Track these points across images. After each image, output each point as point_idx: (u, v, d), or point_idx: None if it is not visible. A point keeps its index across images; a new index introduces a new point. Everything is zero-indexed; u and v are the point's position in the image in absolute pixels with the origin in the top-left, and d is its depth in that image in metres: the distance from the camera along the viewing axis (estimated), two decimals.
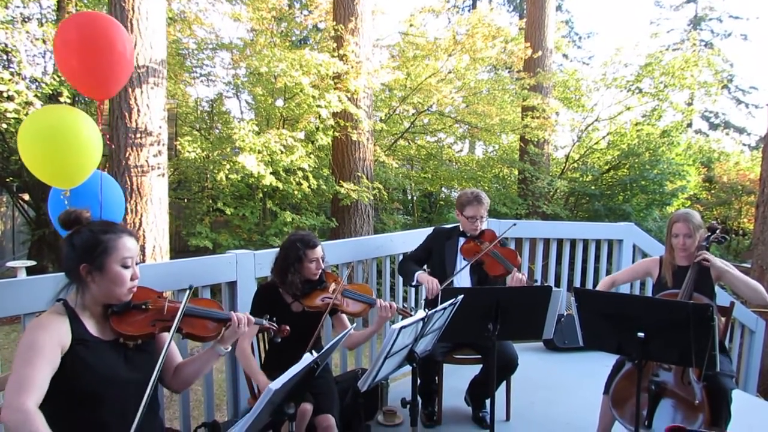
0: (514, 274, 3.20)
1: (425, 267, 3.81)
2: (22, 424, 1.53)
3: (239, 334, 2.05)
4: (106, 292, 1.80)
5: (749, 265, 6.76)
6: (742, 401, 3.17)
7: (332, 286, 2.88)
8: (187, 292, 1.93)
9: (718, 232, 3.02)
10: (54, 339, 1.67)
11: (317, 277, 2.84)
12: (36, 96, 7.43)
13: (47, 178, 2.92)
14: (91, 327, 1.80)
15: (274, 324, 2.27)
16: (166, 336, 1.96)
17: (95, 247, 1.77)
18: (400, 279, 4.29)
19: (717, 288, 3.01)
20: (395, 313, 2.81)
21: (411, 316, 2.76)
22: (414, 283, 3.44)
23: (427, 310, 2.16)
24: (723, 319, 3.12)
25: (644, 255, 5.07)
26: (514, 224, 3.79)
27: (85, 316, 1.80)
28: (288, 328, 2.32)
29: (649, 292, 3.29)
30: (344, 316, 2.92)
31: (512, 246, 4.94)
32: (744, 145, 23.84)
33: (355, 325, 2.85)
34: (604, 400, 2.97)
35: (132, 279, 1.83)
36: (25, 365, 1.60)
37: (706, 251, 2.92)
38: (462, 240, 3.53)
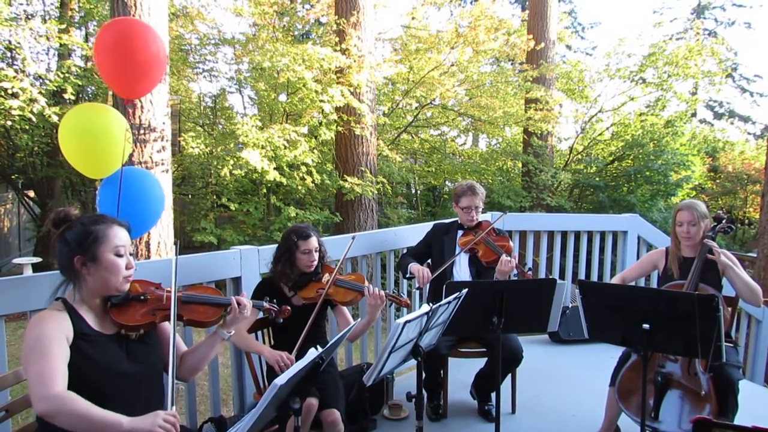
0: (502, 259, 3.22)
1: (428, 262, 3.82)
2: (59, 409, 1.55)
3: (242, 318, 2.07)
4: (102, 282, 1.80)
5: (755, 255, 6.73)
6: (749, 391, 3.16)
7: (326, 277, 2.89)
8: (173, 274, 1.95)
9: (724, 222, 3.01)
10: (59, 330, 1.68)
11: (312, 269, 2.86)
12: (40, 93, 7.43)
13: (84, 168, 3.21)
14: (92, 321, 1.80)
15: (275, 305, 2.29)
16: (168, 326, 1.98)
17: (86, 238, 1.78)
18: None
19: (724, 279, 2.99)
20: (385, 300, 2.82)
21: (400, 300, 2.80)
22: (408, 276, 3.49)
23: (431, 303, 2.16)
24: (729, 309, 3.11)
25: (649, 246, 5.05)
26: (505, 213, 3.78)
27: (84, 311, 1.80)
28: (289, 308, 2.35)
29: (654, 284, 3.27)
30: (346, 310, 2.95)
31: (516, 239, 4.93)
32: (749, 134, 23.62)
33: (360, 320, 2.85)
34: (611, 391, 2.96)
35: (127, 268, 1.84)
36: (39, 359, 1.60)
37: (712, 241, 2.90)
38: (460, 233, 3.57)
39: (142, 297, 1.92)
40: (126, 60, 3.05)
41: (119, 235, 1.83)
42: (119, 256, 1.81)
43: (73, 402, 1.57)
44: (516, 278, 3.34)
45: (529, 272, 3.28)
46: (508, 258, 3.22)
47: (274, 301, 2.32)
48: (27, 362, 1.62)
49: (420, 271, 3.40)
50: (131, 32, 3.09)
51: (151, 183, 3.53)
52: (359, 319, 2.74)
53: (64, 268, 1.81)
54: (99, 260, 1.78)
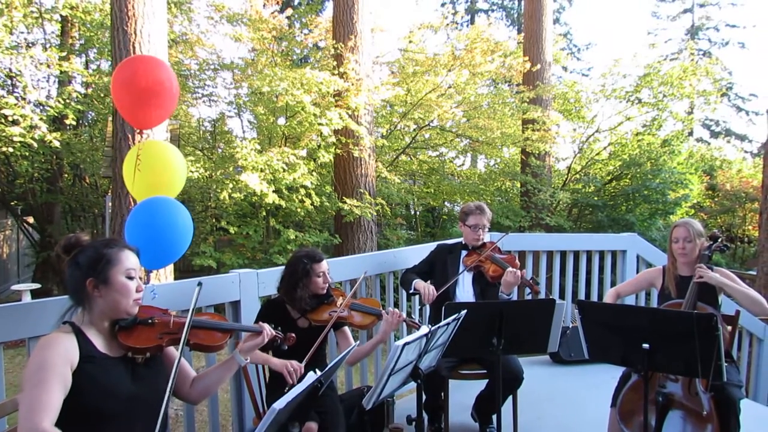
0: (508, 271, 3.23)
1: (429, 281, 3.82)
2: None
3: (260, 345, 2.15)
4: (112, 305, 1.83)
5: (755, 273, 6.73)
6: (751, 411, 3.14)
7: (339, 300, 2.92)
8: (196, 289, 1.98)
9: (720, 240, 3.02)
10: (63, 357, 1.69)
11: (324, 291, 2.89)
12: (41, 119, 7.49)
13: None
14: (99, 344, 1.82)
15: (280, 332, 2.31)
16: (173, 350, 2.01)
17: (99, 261, 1.82)
18: (404, 294, 4.28)
19: (722, 297, 2.99)
20: (401, 321, 2.86)
21: (418, 325, 2.79)
22: (412, 291, 3.50)
23: (430, 325, 2.16)
24: (729, 328, 3.10)
25: (648, 265, 5.05)
26: (505, 234, 3.80)
27: (92, 334, 1.82)
28: (294, 335, 2.36)
29: (654, 303, 3.28)
30: (348, 332, 2.95)
31: (516, 259, 4.94)
32: (746, 152, 23.86)
33: (358, 342, 2.85)
34: (612, 412, 2.94)
35: (137, 291, 1.88)
36: (36, 387, 1.61)
37: (704, 264, 2.90)
38: (464, 253, 3.57)
39: (149, 321, 1.95)
40: (140, 94, 3.14)
41: (130, 259, 1.88)
42: (130, 278, 1.86)
43: None
44: (530, 294, 3.35)
45: (537, 285, 3.29)
46: (513, 270, 3.22)
47: (279, 328, 2.33)
48: (24, 386, 1.63)
49: (425, 288, 3.41)
50: (146, 68, 3.20)
51: (180, 212, 3.55)
52: (358, 342, 2.74)
53: (74, 292, 1.84)
54: (111, 282, 1.82)
